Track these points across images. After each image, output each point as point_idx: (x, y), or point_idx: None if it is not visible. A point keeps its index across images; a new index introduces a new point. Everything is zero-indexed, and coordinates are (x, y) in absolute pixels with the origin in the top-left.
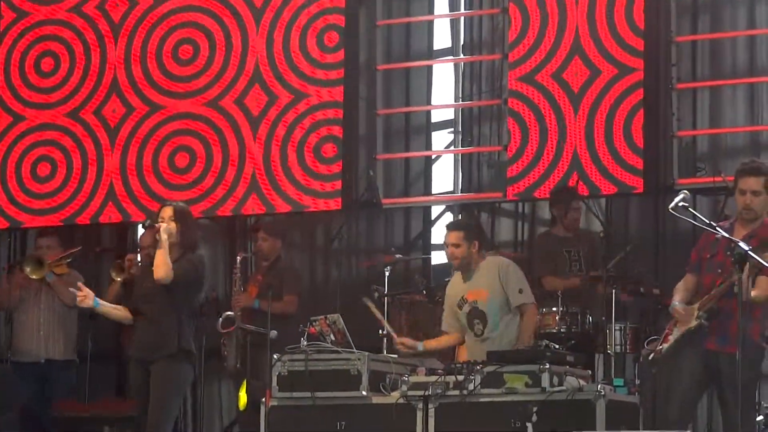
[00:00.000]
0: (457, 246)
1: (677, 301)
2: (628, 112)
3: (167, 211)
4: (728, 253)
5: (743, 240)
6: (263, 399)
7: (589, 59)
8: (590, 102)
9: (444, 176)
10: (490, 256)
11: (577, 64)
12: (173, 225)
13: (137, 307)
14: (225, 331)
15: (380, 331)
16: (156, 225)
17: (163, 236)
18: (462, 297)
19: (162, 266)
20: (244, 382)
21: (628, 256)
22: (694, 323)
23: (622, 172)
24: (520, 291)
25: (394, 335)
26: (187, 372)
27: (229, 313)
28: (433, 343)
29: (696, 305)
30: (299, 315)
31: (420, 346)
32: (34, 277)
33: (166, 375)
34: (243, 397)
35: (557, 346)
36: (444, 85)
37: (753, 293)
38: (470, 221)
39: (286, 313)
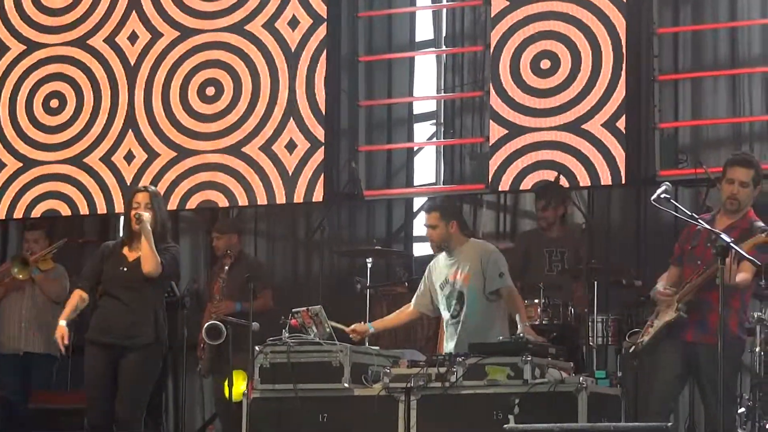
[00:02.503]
0: (434, 227)
1: (661, 284)
2: (610, 104)
3: (144, 197)
4: (708, 244)
5: (724, 231)
6: (245, 391)
7: (570, 48)
8: (571, 92)
9: (426, 168)
10: (474, 239)
11: (558, 54)
12: (150, 212)
13: (108, 290)
14: (213, 342)
15: (362, 323)
16: (138, 213)
17: (147, 227)
18: (445, 277)
19: (151, 259)
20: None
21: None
22: (673, 315)
23: (603, 163)
24: (501, 275)
25: (344, 328)
26: (158, 362)
27: (214, 323)
28: (381, 324)
29: (676, 297)
30: (277, 307)
31: (371, 327)
32: (21, 277)
33: (141, 364)
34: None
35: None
36: (426, 77)
37: (739, 277)
38: (446, 202)
39: (266, 309)
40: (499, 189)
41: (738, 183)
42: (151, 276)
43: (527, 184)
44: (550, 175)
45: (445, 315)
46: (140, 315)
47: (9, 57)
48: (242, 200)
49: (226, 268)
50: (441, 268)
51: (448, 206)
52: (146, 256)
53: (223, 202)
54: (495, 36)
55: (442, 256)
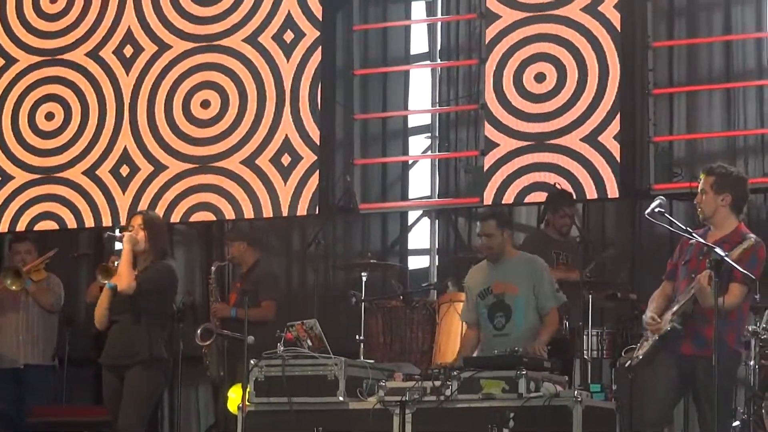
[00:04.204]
0: (490, 236)
1: (650, 312)
2: (605, 117)
3: (136, 219)
4: (701, 257)
5: (715, 244)
6: (240, 404)
7: (565, 61)
8: (567, 106)
9: (421, 181)
10: (523, 252)
11: (553, 68)
12: (141, 234)
13: (110, 312)
14: (204, 343)
15: (357, 337)
16: (119, 234)
17: (126, 246)
18: (488, 287)
19: (123, 277)
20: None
21: (605, 261)
22: (667, 327)
23: (598, 176)
24: (557, 290)
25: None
26: (159, 379)
27: (207, 324)
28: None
29: (670, 312)
30: (277, 320)
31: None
32: (14, 288)
33: (137, 382)
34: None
35: None
36: (421, 90)
37: (727, 302)
38: (499, 209)
39: (264, 320)
40: (494, 202)
41: (700, 190)
42: (125, 293)
43: (522, 197)
44: (542, 195)
45: (487, 327)
46: (134, 333)
47: (15, 70)
48: (237, 213)
49: (215, 271)
50: (481, 276)
51: (503, 214)
52: (119, 274)
53: (218, 215)
54: (489, 49)
55: (483, 264)
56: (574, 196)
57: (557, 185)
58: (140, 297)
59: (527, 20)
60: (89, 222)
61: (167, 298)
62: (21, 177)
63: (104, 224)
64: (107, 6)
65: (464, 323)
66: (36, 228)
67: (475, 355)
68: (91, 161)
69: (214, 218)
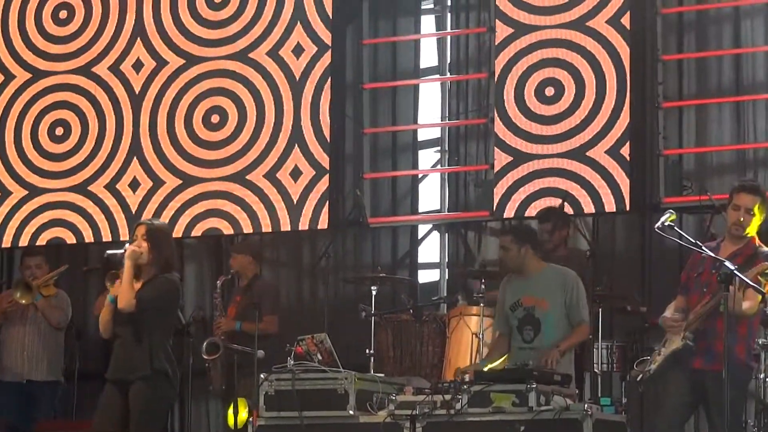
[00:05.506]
0: (506, 250)
1: (669, 311)
2: (614, 131)
3: (140, 230)
4: (713, 271)
5: (728, 258)
6: (250, 419)
7: (574, 75)
8: (576, 119)
9: (431, 195)
10: (553, 265)
11: (562, 81)
12: (144, 245)
13: (114, 327)
14: (210, 357)
15: (367, 350)
16: (120, 251)
17: (127, 262)
18: (518, 300)
19: (124, 295)
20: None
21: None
22: (680, 343)
23: (608, 190)
24: (583, 307)
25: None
26: (165, 392)
27: (213, 339)
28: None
29: (683, 325)
30: (282, 334)
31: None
32: (23, 301)
33: (142, 397)
34: (237, 415)
35: None
36: (430, 104)
37: (745, 305)
38: (521, 225)
39: (267, 333)
40: (504, 216)
41: (744, 209)
42: (124, 311)
43: (532, 211)
44: (555, 201)
45: (516, 339)
46: (134, 349)
47: (14, 85)
48: (248, 228)
49: (221, 286)
50: (513, 289)
51: (522, 230)
52: (119, 291)
53: (228, 229)
54: (499, 63)
55: (515, 277)
56: (570, 211)
57: (563, 203)
58: (141, 314)
59: (539, 36)
60: (99, 237)
61: (169, 313)
62: (31, 191)
63: (122, 237)
64: (124, 22)
65: (497, 332)
66: (44, 240)
67: (502, 362)
68: (108, 176)
69: (229, 232)
